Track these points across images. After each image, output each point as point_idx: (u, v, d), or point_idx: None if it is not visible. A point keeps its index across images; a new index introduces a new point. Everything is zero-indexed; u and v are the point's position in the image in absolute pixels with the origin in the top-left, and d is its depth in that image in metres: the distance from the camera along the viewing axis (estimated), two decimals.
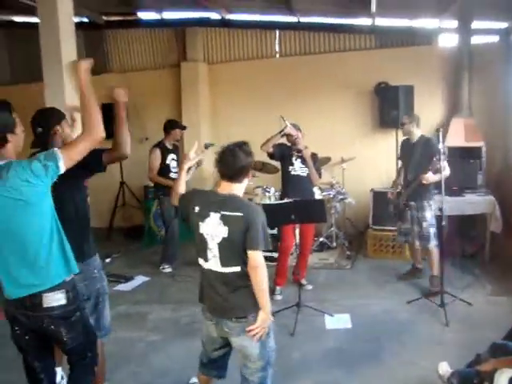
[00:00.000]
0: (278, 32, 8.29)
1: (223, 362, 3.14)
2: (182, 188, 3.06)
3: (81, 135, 2.72)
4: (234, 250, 2.74)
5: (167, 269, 6.47)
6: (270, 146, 5.47)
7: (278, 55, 8.41)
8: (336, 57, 8.01)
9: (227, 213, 2.72)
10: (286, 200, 5.20)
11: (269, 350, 2.91)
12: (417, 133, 5.48)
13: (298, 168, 5.53)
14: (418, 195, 5.40)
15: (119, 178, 8.46)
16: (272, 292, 5.31)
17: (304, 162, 5.49)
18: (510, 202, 6.32)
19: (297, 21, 7.77)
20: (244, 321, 2.78)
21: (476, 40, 7.04)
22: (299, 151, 5.46)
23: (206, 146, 6.00)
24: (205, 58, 8.64)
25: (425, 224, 5.44)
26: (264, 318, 2.77)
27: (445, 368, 3.25)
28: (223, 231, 2.72)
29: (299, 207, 4.84)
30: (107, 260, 6.95)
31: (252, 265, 2.70)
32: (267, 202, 6.72)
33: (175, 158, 6.52)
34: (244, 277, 2.76)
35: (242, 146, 2.81)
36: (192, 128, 8.13)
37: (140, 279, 6.22)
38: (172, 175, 6.31)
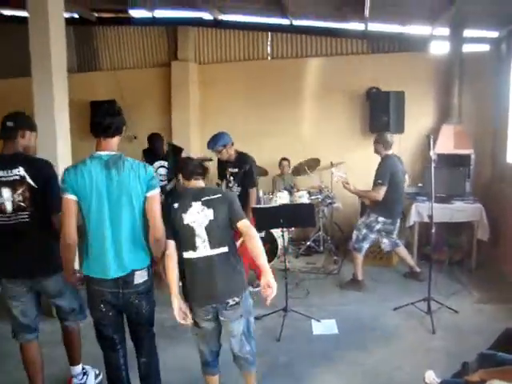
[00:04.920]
0: (270, 34, 8.26)
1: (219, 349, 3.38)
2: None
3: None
4: (221, 229, 3.03)
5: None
6: None
7: (269, 57, 8.37)
8: (328, 61, 7.99)
9: (207, 198, 3.04)
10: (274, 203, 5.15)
11: (249, 319, 3.24)
12: (382, 153, 5.62)
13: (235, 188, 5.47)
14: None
15: None
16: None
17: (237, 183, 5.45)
18: (497, 210, 6.34)
19: (289, 23, 7.75)
20: (237, 307, 3.05)
21: (467, 48, 7.07)
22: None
23: None
24: (196, 58, 8.58)
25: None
26: (270, 280, 2.89)
27: (432, 377, 3.23)
28: (209, 214, 3.01)
29: (288, 211, 4.80)
30: None
31: (245, 231, 3.01)
32: (255, 205, 6.66)
33: (165, 165, 6.39)
34: (232, 256, 3.07)
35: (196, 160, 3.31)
36: (181, 128, 8.09)
37: None
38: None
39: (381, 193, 5.45)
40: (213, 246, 3.01)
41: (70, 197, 2.89)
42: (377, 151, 5.68)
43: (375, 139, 5.71)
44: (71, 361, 3.79)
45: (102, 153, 2.95)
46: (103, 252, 2.93)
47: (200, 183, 3.21)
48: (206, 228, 3.00)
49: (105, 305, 3.04)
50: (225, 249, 3.04)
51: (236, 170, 5.41)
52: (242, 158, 5.41)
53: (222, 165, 5.50)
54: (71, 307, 3.62)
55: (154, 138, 6.66)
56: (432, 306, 4.86)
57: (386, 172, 5.47)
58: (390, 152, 5.60)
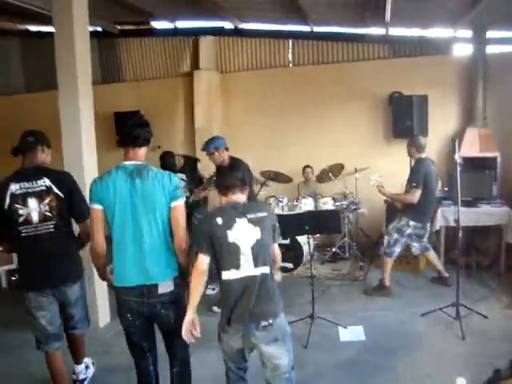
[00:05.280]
0: (291, 41, 8.29)
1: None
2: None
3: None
4: (265, 248, 2.90)
5: None
6: None
7: (291, 64, 8.39)
8: (349, 66, 7.99)
9: (253, 215, 2.90)
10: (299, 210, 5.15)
11: (291, 351, 3.00)
12: (415, 156, 5.60)
13: None
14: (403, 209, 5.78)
15: None
16: None
17: None
18: None
19: (310, 30, 7.79)
20: (270, 328, 2.84)
21: (490, 49, 7.00)
22: None
23: None
24: (218, 67, 8.64)
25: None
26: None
27: None
28: (257, 233, 2.87)
29: (313, 218, 4.80)
30: None
31: (276, 254, 3.07)
32: (280, 212, 6.68)
33: (184, 177, 6.47)
34: (271, 278, 2.92)
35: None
36: (204, 136, 8.10)
37: None
38: None
39: (416, 196, 5.41)
40: (256, 264, 2.85)
41: (97, 207, 2.95)
42: (410, 154, 5.67)
43: (408, 142, 5.68)
44: (76, 360, 4.03)
45: (128, 163, 2.99)
46: (126, 261, 2.97)
47: (240, 197, 3.02)
48: (252, 247, 2.85)
49: (131, 314, 3.07)
50: (266, 269, 2.88)
51: None
52: (235, 164, 5.40)
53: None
54: (81, 316, 3.76)
55: (165, 157, 6.75)
56: (460, 312, 4.80)
57: (420, 175, 5.43)
58: (423, 155, 5.57)
